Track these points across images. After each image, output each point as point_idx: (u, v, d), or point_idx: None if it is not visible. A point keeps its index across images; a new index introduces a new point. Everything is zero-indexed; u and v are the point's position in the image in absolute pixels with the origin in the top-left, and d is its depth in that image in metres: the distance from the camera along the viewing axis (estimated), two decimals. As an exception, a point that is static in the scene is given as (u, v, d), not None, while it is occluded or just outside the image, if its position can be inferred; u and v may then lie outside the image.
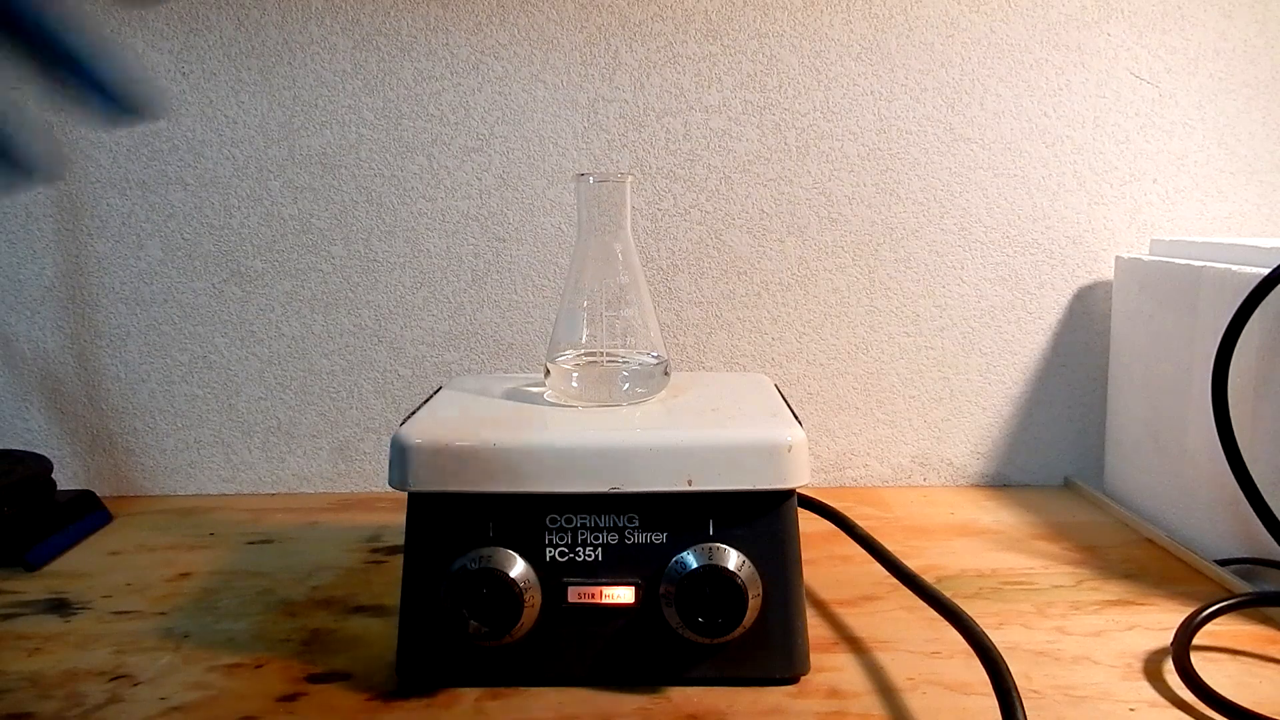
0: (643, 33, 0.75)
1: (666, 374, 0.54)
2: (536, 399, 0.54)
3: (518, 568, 0.45)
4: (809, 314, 0.78)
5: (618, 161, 0.76)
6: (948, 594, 0.50)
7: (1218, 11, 0.75)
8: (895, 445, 0.80)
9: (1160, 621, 0.53)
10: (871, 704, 0.45)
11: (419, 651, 0.47)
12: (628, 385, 0.52)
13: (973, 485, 0.81)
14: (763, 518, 0.46)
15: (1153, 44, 0.76)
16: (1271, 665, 0.48)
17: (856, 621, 0.54)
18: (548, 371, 0.53)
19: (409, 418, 0.50)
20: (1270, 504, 0.54)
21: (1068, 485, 0.80)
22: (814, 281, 0.78)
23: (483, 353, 0.78)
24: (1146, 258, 0.71)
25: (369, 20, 0.74)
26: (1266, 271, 0.54)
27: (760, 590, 0.45)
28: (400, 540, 0.48)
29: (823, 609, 0.55)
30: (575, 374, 0.52)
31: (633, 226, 0.53)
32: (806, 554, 0.48)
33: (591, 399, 0.52)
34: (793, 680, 0.47)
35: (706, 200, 0.77)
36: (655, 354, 0.53)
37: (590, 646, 0.46)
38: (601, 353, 0.53)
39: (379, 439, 0.79)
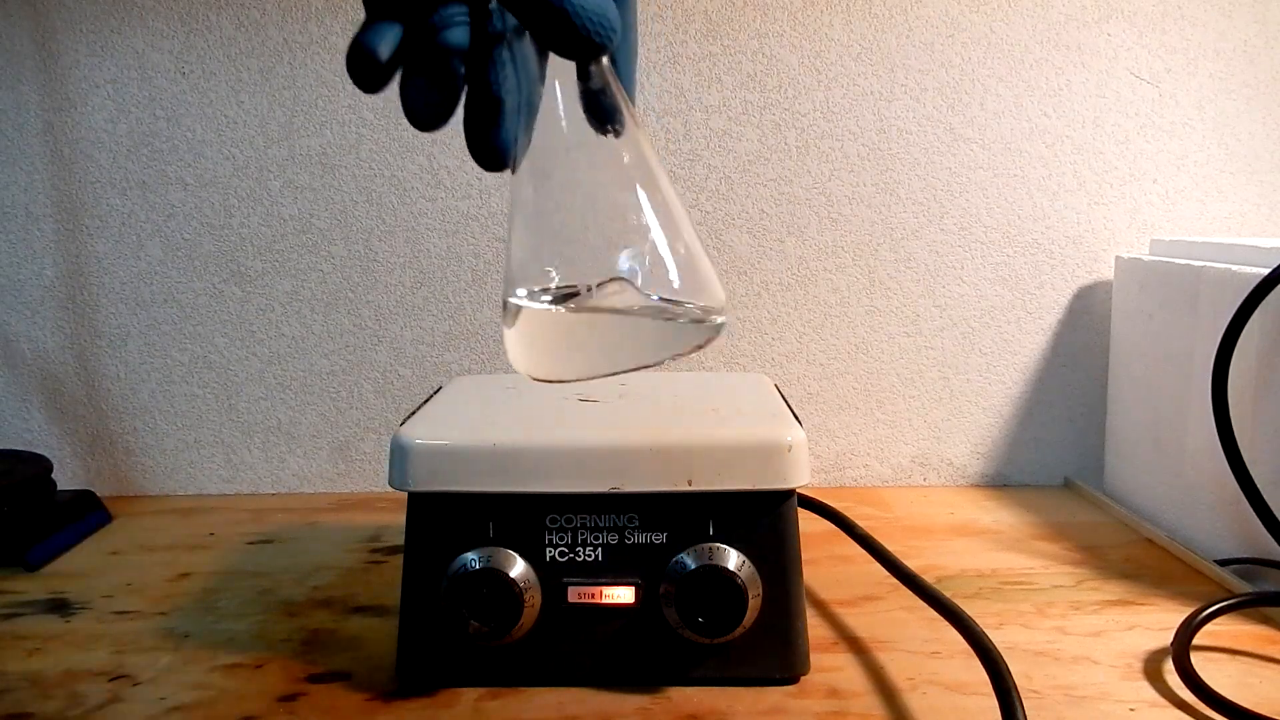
0: (642, 32, 0.75)
1: (716, 324, 0.34)
2: (536, 398, 0.54)
3: (518, 568, 0.45)
4: (809, 314, 0.78)
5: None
6: (948, 594, 0.50)
7: (1218, 11, 0.75)
8: (895, 445, 0.80)
9: (1160, 621, 0.53)
10: (871, 704, 0.45)
11: (419, 651, 0.47)
12: (652, 342, 0.32)
13: (973, 485, 0.81)
14: (763, 518, 0.46)
15: (1153, 44, 0.76)
16: (1271, 665, 0.48)
17: (856, 621, 0.54)
18: (509, 307, 0.33)
19: (409, 418, 0.50)
20: (1270, 504, 0.54)
21: (1068, 485, 0.80)
22: (814, 281, 0.78)
23: (483, 353, 0.78)
24: (1146, 258, 0.71)
25: (369, 20, 0.74)
26: (1266, 271, 0.54)
27: (760, 590, 0.45)
28: (400, 540, 0.48)
29: (823, 609, 0.55)
30: (552, 323, 0.33)
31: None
32: (806, 554, 0.48)
33: (584, 366, 0.33)
34: (793, 680, 0.47)
35: (706, 200, 0.77)
36: (688, 295, 0.33)
37: (590, 646, 0.46)
38: (592, 286, 0.33)
39: (379, 439, 0.79)
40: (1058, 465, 0.80)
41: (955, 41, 0.75)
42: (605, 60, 0.33)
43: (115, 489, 0.79)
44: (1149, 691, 0.46)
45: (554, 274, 0.33)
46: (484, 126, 0.32)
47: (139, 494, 0.79)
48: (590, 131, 0.33)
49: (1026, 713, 0.40)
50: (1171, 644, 0.49)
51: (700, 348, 0.33)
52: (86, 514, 0.70)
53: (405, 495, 0.47)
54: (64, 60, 0.74)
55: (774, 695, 0.46)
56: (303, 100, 0.75)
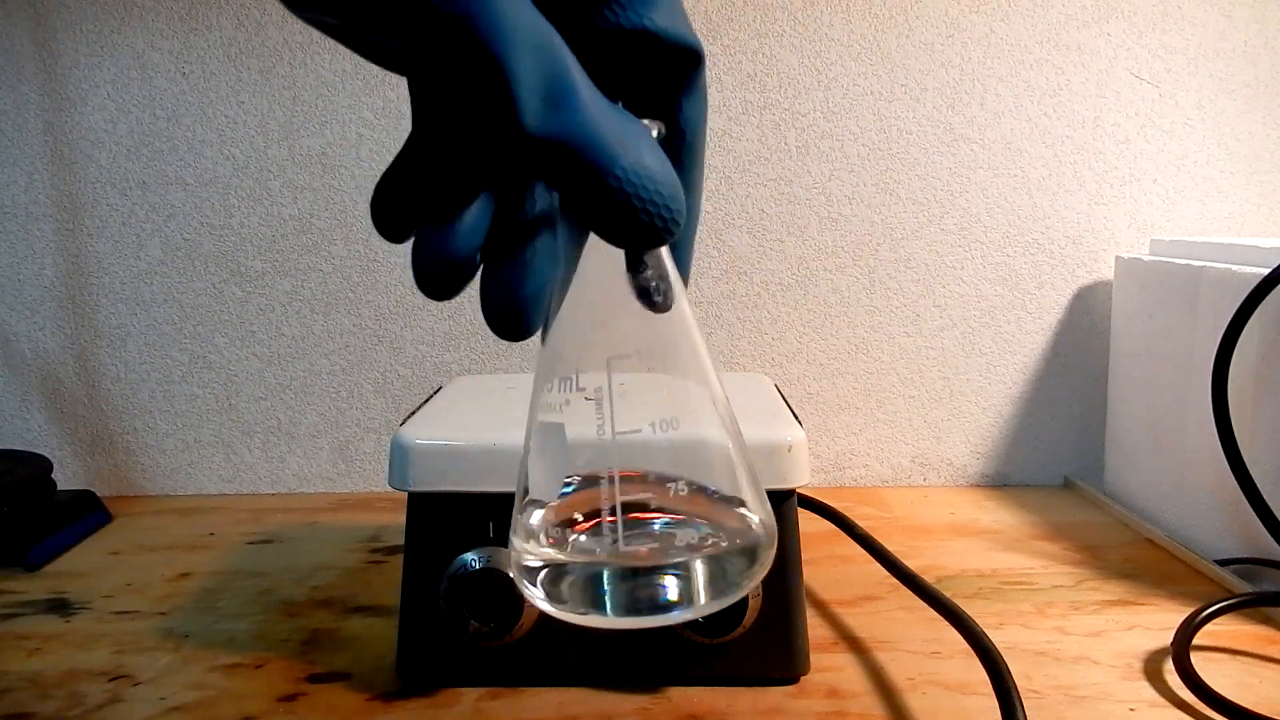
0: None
1: (766, 549, 0.28)
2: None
3: (518, 568, 0.45)
4: (809, 314, 0.78)
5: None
6: (948, 594, 0.50)
7: (1218, 11, 0.75)
8: (895, 445, 0.80)
9: (1160, 621, 0.53)
10: (871, 704, 0.45)
11: (419, 651, 0.47)
12: (676, 588, 0.27)
13: (973, 485, 0.81)
14: (763, 518, 0.46)
15: (1153, 44, 0.76)
16: (1271, 665, 0.48)
17: (856, 621, 0.54)
18: (544, 533, 0.29)
19: (409, 418, 0.50)
20: (1270, 504, 0.54)
21: (1068, 485, 0.80)
22: (814, 281, 0.78)
23: (483, 353, 0.78)
24: (1146, 258, 0.71)
25: (369, 20, 0.74)
26: (1266, 271, 0.54)
27: (760, 590, 0.45)
28: (400, 540, 0.48)
29: (823, 609, 0.55)
30: (549, 570, 0.28)
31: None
32: (806, 554, 0.48)
33: (624, 619, 0.28)
34: (793, 680, 0.47)
35: (706, 200, 0.77)
36: (742, 512, 0.28)
37: (590, 646, 0.46)
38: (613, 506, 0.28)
39: (379, 439, 0.79)
40: (1058, 465, 0.80)
41: (955, 41, 0.75)
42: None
43: (115, 489, 0.79)
44: (1149, 691, 0.46)
45: (611, 497, 0.28)
46: (508, 316, 0.26)
47: (139, 494, 0.79)
48: (650, 325, 0.27)
49: (1026, 713, 0.40)
50: (1171, 644, 0.49)
51: (749, 589, 0.28)
52: (86, 514, 0.70)
53: (405, 495, 0.47)
54: (64, 60, 0.74)
55: (774, 695, 0.46)
56: (303, 100, 0.75)
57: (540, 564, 0.28)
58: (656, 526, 0.28)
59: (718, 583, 0.28)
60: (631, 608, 0.27)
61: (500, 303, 0.25)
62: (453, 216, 0.24)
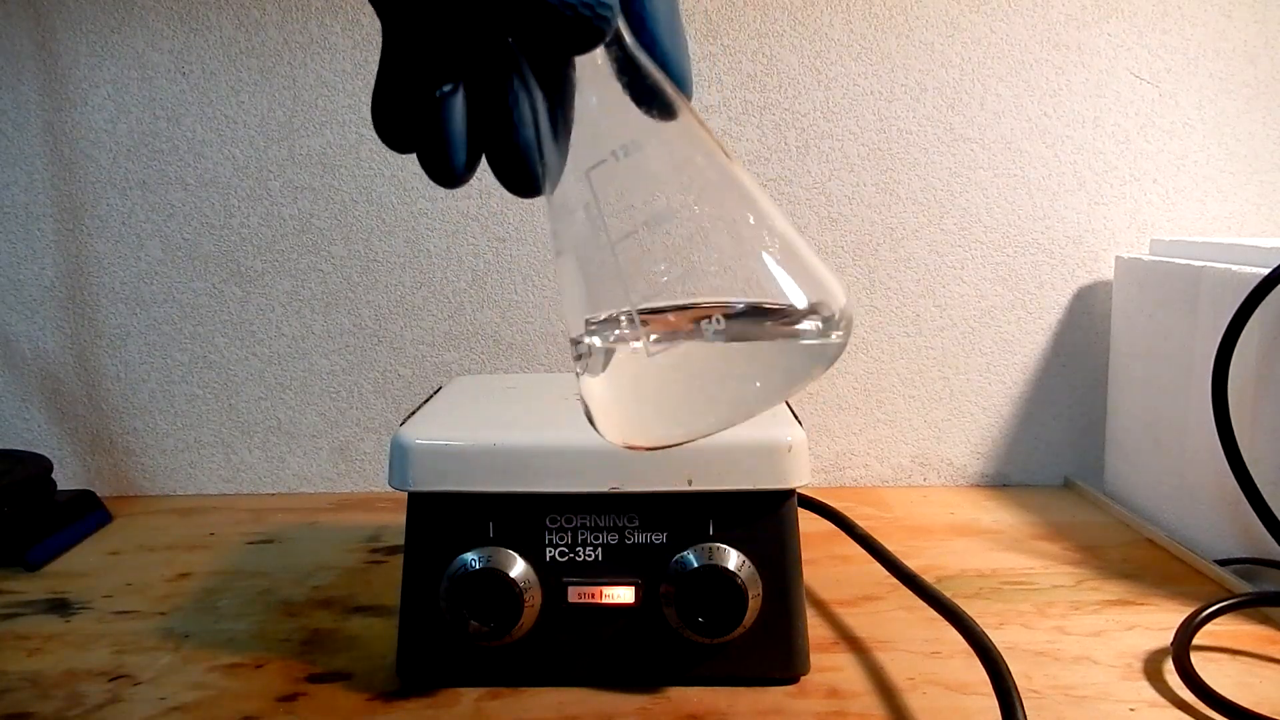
0: (643, 33, 0.75)
1: (838, 337, 0.27)
2: (536, 398, 0.54)
3: (518, 568, 0.45)
4: (809, 314, 0.78)
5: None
6: (948, 594, 0.50)
7: (1218, 11, 0.75)
8: (895, 445, 0.80)
9: (1160, 621, 0.53)
10: (871, 704, 0.45)
11: (419, 651, 0.47)
12: (778, 373, 0.26)
13: (973, 485, 0.81)
14: (763, 518, 0.46)
15: (1153, 44, 0.76)
16: (1271, 665, 0.48)
17: (856, 621, 0.54)
18: (584, 356, 0.27)
19: (409, 418, 0.50)
20: (1270, 504, 0.54)
21: (1068, 485, 0.80)
22: (814, 281, 0.78)
23: (483, 353, 0.78)
24: (1146, 258, 0.71)
25: (369, 20, 0.74)
26: (1266, 271, 0.54)
27: (760, 590, 0.45)
28: (400, 540, 0.48)
29: (823, 609, 0.55)
30: (657, 369, 0.26)
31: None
32: (806, 554, 0.48)
33: (704, 419, 0.26)
34: (793, 680, 0.47)
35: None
36: (797, 294, 0.26)
37: (590, 646, 0.46)
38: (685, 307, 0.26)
39: (379, 439, 0.79)
40: (1058, 465, 0.80)
41: (955, 41, 0.75)
42: (627, 37, 0.26)
43: (115, 489, 0.79)
44: (1149, 691, 0.46)
45: (625, 299, 0.26)
46: (506, 168, 0.29)
47: (139, 494, 0.79)
48: (637, 128, 0.27)
49: (1026, 713, 0.40)
50: (1171, 644, 0.49)
51: (831, 363, 0.27)
52: (86, 514, 0.70)
53: (405, 495, 0.47)
54: (64, 60, 0.74)
55: (774, 695, 0.46)
56: (303, 100, 0.75)
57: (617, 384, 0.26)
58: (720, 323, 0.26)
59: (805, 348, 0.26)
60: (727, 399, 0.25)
61: (500, 168, 0.29)
62: (437, 104, 0.27)
